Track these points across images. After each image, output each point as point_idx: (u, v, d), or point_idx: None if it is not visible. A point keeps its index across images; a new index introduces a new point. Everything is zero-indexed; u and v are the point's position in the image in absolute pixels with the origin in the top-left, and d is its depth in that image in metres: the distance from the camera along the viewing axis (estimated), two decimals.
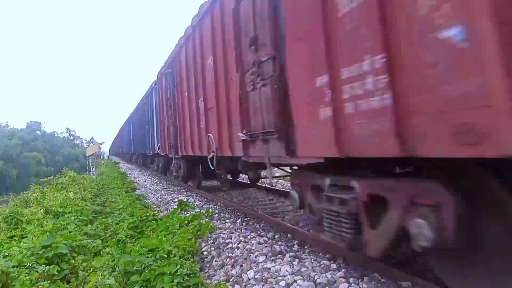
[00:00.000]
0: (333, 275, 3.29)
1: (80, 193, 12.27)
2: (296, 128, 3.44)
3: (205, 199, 8.60)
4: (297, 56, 3.35)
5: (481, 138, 1.71)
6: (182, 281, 3.40)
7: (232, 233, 5.12)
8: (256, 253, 4.08)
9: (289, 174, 5.12)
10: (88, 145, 62.17)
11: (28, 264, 4.15)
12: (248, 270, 3.68)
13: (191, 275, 3.51)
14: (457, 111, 1.82)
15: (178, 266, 3.57)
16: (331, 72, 2.79)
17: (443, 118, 1.90)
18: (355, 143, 2.61)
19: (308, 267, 3.53)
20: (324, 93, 2.88)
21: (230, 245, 4.58)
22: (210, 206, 7.52)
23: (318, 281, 3.18)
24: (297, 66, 3.35)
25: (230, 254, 4.26)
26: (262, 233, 5.02)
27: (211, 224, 5.50)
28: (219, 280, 3.69)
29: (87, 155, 29.90)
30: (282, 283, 3.24)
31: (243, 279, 3.55)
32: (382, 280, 3.21)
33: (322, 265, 3.58)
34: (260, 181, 10.21)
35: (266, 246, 4.29)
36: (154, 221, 6.13)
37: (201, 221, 5.67)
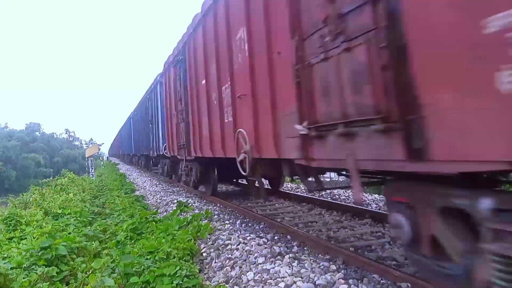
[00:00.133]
0: (332, 276, 3.29)
1: (79, 194, 12.26)
2: (429, 112, 2.10)
3: (205, 201, 8.59)
4: None
5: None
6: (181, 282, 3.40)
7: (232, 234, 5.12)
8: (256, 255, 4.08)
9: (379, 182, 3.93)
10: (87, 146, 62.15)
11: (27, 265, 4.15)
12: (248, 272, 3.67)
13: (190, 277, 3.51)
14: None
15: (178, 268, 3.57)
16: None
17: None
18: None
19: (307, 269, 3.53)
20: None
21: (229, 247, 4.58)
22: (210, 207, 7.51)
23: (317, 282, 3.18)
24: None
25: (230, 256, 4.25)
26: (262, 235, 5.02)
27: (210, 226, 5.50)
28: (218, 281, 3.69)
29: (86, 156, 29.83)
30: (282, 285, 3.24)
31: (242, 280, 3.54)
32: (381, 281, 3.21)
33: (322, 267, 3.58)
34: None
35: (265, 248, 4.29)
36: (153, 223, 6.12)
37: (200, 222, 5.67)
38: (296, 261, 3.79)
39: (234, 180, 10.73)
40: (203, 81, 6.93)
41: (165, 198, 9.93)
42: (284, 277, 3.38)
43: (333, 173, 6.32)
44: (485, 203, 2.00)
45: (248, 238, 4.81)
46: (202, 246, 4.85)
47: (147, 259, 4.02)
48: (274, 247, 4.28)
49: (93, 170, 25.34)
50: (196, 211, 6.94)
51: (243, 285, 3.46)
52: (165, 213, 7.69)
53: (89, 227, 6.64)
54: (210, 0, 6.26)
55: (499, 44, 1.67)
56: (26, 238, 6.03)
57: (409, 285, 3.01)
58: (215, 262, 4.25)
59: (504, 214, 1.93)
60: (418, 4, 2.15)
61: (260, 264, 3.81)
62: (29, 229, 6.62)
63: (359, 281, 3.22)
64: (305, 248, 4.32)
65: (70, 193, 11.98)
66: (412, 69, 2.20)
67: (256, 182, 5.68)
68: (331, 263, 3.69)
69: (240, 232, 5.23)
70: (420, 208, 2.53)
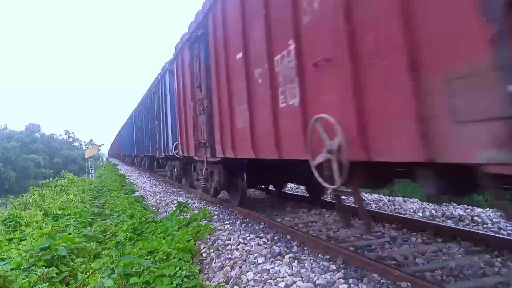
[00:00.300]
0: (332, 276, 3.29)
1: (79, 195, 12.26)
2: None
3: (204, 201, 8.59)
4: None
5: None
6: (181, 283, 3.40)
7: (232, 234, 5.12)
8: (256, 255, 4.08)
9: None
10: (87, 147, 62.12)
11: (27, 266, 4.14)
12: (248, 272, 3.67)
13: (190, 277, 3.51)
14: None
15: (177, 268, 3.57)
16: None
17: None
18: None
19: (307, 268, 3.53)
20: None
21: (229, 247, 4.58)
22: (210, 207, 7.51)
23: (317, 282, 3.18)
24: None
25: (229, 256, 4.25)
26: (262, 235, 5.02)
27: (210, 226, 5.50)
28: (218, 281, 3.69)
29: (86, 157, 29.84)
30: (282, 285, 3.24)
31: (242, 280, 3.54)
32: (381, 280, 3.21)
33: (322, 266, 3.58)
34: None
35: (265, 248, 4.29)
36: (153, 223, 6.12)
37: (200, 222, 5.67)
38: (296, 261, 3.78)
39: (265, 186, 8.48)
40: (239, 55, 5.20)
41: (165, 198, 9.93)
42: (284, 277, 3.38)
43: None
44: None
45: (248, 238, 4.80)
46: (202, 246, 4.85)
47: (147, 259, 4.01)
48: (274, 247, 4.28)
49: (92, 171, 25.34)
50: (196, 212, 6.94)
51: (243, 285, 3.46)
52: (165, 214, 7.70)
53: (89, 228, 6.64)
54: None
55: None
56: (25, 239, 6.03)
57: (409, 284, 3.01)
58: (215, 262, 4.25)
59: None
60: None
61: (260, 264, 3.81)
62: (28, 230, 6.62)
63: (359, 281, 3.21)
64: (305, 248, 4.32)
65: (70, 194, 11.98)
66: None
67: (349, 199, 4.23)
68: (331, 262, 3.69)
69: (240, 232, 5.23)
70: None
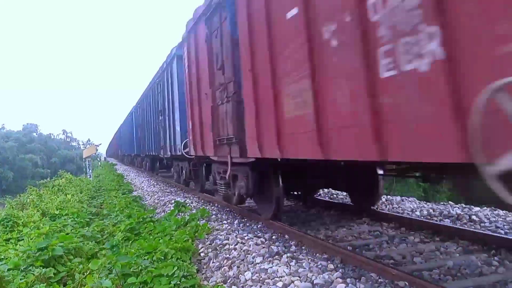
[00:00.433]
0: (330, 275, 3.29)
1: (77, 195, 12.25)
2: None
3: (202, 200, 8.58)
4: None
5: None
6: (179, 282, 3.39)
7: (230, 234, 5.11)
8: (254, 254, 4.08)
9: None
10: (85, 147, 62.01)
11: (24, 267, 4.13)
12: (245, 271, 3.67)
13: (188, 277, 3.50)
14: None
15: (175, 268, 3.56)
16: None
17: None
18: None
19: (305, 268, 3.53)
20: None
21: (227, 246, 4.58)
22: (208, 207, 7.50)
23: (315, 281, 3.18)
24: None
25: (227, 255, 4.25)
26: (260, 234, 5.01)
27: (208, 226, 5.49)
28: (216, 281, 3.68)
29: (83, 157, 29.81)
30: (279, 284, 3.23)
31: (240, 280, 3.54)
32: (379, 280, 3.21)
33: (320, 266, 3.58)
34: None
35: (263, 247, 4.28)
36: (151, 223, 6.11)
37: (198, 222, 5.67)
38: (294, 261, 3.78)
39: (301, 192, 7.19)
40: (292, 13, 3.65)
41: (162, 198, 9.92)
42: (282, 277, 3.38)
43: None
44: None
45: (246, 237, 4.80)
46: (200, 246, 4.85)
47: (144, 259, 4.01)
48: (272, 246, 4.28)
49: (90, 171, 25.28)
50: (194, 211, 6.93)
51: (241, 285, 3.46)
52: (162, 214, 7.69)
53: (86, 227, 6.63)
54: None
55: None
56: (23, 239, 6.02)
57: (407, 283, 3.01)
58: (213, 262, 4.25)
59: None
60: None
61: (258, 263, 3.81)
62: (26, 230, 6.61)
63: (357, 280, 3.21)
64: (303, 248, 4.32)
65: (68, 194, 11.96)
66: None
67: None
68: (329, 262, 3.69)
69: (238, 232, 5.23)
70: None
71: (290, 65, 3.79)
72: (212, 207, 7.53)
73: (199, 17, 6.71)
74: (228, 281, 3.62)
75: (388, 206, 6.53)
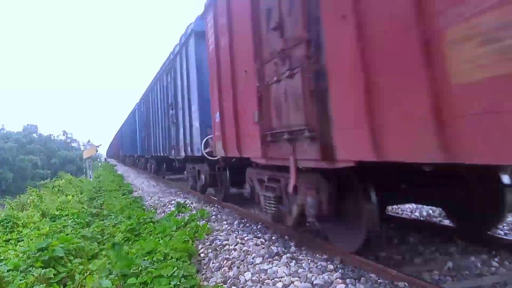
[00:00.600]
0: (330, 276, 3.29)
1: (77, 196, 12.25)
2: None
3: (202, 201, 8.57)
4: None
5: None
6: (179, 283, 3.39)
7: (230, 234, 5.11)
8: (253, 255, 4.08)
9: None
10: (85, 148, 61.98)
11: (24, 267, 4.13)
12: (245, 272, 3.67)
13: (188, 277, 3.50)
14: None
15: (175, 269, 3.56)
16: None
17: None
18: None
19: (305, 268, 3.53)
20: None
21: (227, 247, 4.58)
22: (207, 208, 7.50)
23: (315, 282, 3.18)
24: None
25: (227, 256, 4.25)
26: (259, 235, 5.01)
27: (208, 226, 5.49)
28: (216, 282, 3.69)
29: (84, 157, 29.83)
30: (279, 285, 3.24)
31: (240, 280, 3.54)
32: (379, 280, 3.21)
33: (319, 266, 3.59)
34: None
35: (263, 248, 4.29)
36: (151, 224, 6.11)
37: (198, 223, 5.67)
38: (293, 261, 3.78)
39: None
40: None
41: (163, 199, 9.92)
42: (281, 277, 3.38)
43: None
44: None
45: (246, 238, 4.80)
46: (200, 246, 4.85)
47: (144, 260, 4.01)
48: (272, 247, 4.28)
49: (91, 172, 25.28)
50: (194, 212, 6.93)
51: (241, 285, 3.46)
52: (163, 214, 7.69)
53: (87, 228, 6.63)
54: None
55: None
56: (23, 240, 6.02)
57: (406, 284, 3.02)
58: (212, 263, 4.25)
59: None
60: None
61: (258, 264, 3.81)
62: (26, 231, 6.61)
63: (357, 281, 3.22)
64: (303, 248, 4.32)
65: (68, 194, 11.96)
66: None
67: None
68: (329, 262, 3.69)
69: (238, 233, 5.23)
70: None
71: None
72: (212, 208, 7.52)
73: None
74: (228, 281, 3.63)
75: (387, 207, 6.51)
